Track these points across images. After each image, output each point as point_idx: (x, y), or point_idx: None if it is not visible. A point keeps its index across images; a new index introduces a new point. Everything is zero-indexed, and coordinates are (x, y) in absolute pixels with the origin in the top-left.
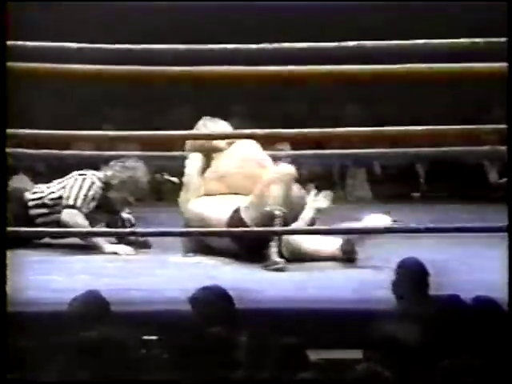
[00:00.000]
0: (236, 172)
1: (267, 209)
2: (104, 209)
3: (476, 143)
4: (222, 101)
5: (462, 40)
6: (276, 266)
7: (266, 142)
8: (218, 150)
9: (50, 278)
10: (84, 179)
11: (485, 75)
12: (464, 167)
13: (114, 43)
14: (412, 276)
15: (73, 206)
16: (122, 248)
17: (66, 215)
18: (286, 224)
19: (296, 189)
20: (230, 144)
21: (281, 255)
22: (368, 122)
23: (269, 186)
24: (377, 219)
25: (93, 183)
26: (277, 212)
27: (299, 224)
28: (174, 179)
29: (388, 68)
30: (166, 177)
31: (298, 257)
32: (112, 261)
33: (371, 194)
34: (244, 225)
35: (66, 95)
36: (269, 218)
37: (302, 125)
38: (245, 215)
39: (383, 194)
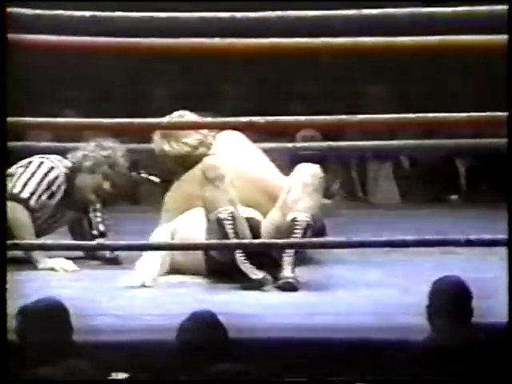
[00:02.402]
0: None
1: (291, 216)
2: (68, 203)
3: None
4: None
5: (461, 8)
6: (287, 283)
7: (282, 131)
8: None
9: None
10: (41, 163)
11: (483, 48)
12: None
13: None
14: (451, 299)
15: (16, 197)
16: (61, 262)
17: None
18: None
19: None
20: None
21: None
22: (394, 106)
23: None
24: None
25: (52, 168)
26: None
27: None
28: (155, 178)
29: (391, 40)
30: (144, 175)
31: None
32: (74, 279)
33: (398, 197)
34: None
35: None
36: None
37: (311, 110)
38: None
39: (413, 196)
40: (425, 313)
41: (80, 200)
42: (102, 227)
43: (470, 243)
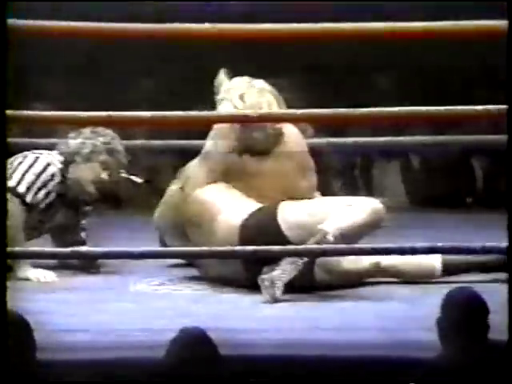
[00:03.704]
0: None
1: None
2: (62, 203)
3: None
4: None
5: None
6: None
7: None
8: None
9: None
10: (37, 158)
11: (483, 34)
12: None
13: None
14: (465, 312)
15: (12, 190)
16: (36, 272)
17: None
18: None
19: None
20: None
21: (310, 280)
22: (399, 98)
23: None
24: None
25: (48, 165)
26: (330, 237)
27: None
28: (137, 179)
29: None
30: (125, 175)
31: (339, 279)
32: (46, 291)
33: (407, 198)
34: (277, 233)
35: None
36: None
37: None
38: (283, 220)
39: (424, 198)
40: (435, 328)
41: (77, 196)
42: (83, 234)
43: (465, 251)
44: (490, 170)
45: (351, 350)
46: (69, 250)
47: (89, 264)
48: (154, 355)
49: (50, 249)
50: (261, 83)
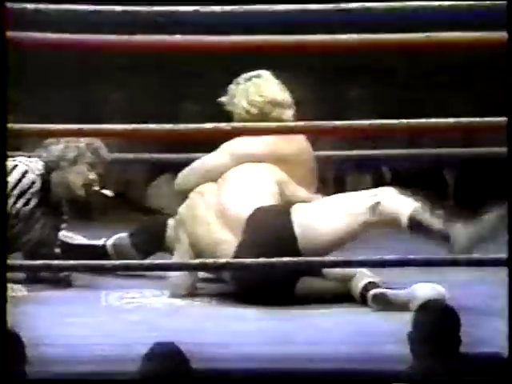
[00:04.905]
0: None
1: None
2: (42, 210)
3: None
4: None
5: (460, 2)
6: None
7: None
8: None
9: None
10: (15, 166)
11: (483, 45)
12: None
13: None
14: (436, 325)
15: None
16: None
17: None
18: None
19: None
20: None
21: None
22: (373, 110)
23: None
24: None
25: (26, 172)
26: None
27: None
28: (108, 192)
29: (378, 37)
30: (96, 188)
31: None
32: (15, 305)
33: None
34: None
35: None
36: None
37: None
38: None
39: None
40: (407, 341)
41: (60, 202)
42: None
43: (465, 263)
44: (462, 182)
45: (325, 364)
46: (75, 262)
47: (61, 278)
48: (124, 370)
49: (52, 261)
50: None
